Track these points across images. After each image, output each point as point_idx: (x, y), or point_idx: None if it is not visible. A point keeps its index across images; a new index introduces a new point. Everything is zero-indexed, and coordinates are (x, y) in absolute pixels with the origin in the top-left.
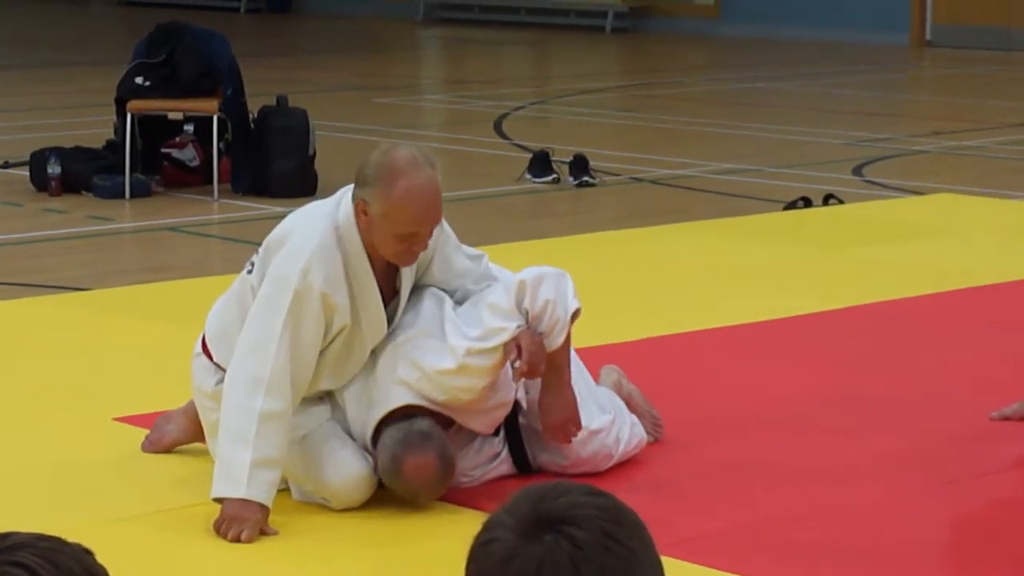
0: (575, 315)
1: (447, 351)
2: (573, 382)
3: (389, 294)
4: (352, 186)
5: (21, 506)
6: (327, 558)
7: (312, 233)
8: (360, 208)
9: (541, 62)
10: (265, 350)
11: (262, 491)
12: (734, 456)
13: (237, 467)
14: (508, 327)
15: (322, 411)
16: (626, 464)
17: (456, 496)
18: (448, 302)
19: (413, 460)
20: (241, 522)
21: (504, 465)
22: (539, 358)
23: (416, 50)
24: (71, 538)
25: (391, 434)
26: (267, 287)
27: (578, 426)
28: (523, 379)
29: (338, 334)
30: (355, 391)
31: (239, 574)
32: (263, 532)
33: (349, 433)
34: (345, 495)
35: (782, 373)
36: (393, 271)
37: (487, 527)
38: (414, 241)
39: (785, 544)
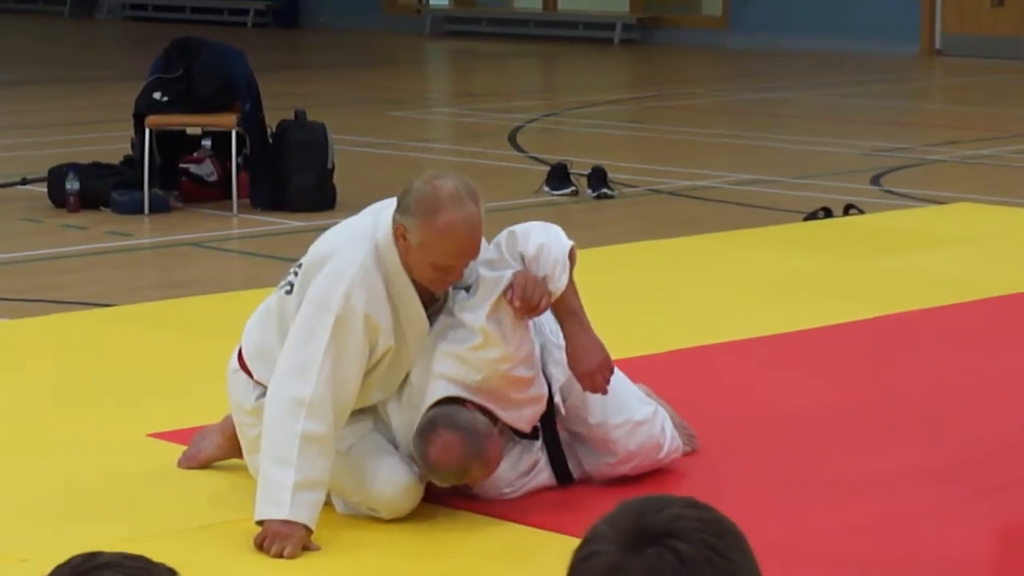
0: (572, 256)
1: (468, 329)
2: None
3: (428, 303)
4: (390, 202)
5: (60, 522)
6: (368, 571)
7: (354, 255)
8: (399, 232)
9: (550, 74)
10: (306, 373)
11: (305, 512)
12: (764, 469)
13: (279, 489)
14: (505, 274)
15: (365, 423)
16: (658, 479)
17: (498, 509)
18: (460, 293)
19: (438, 439)
20: (284, 538)
21: (544, 475)
22: (534, 292)
23: (424, 63)
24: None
25: (425, 415)
26: (307, 308)
27: (611, 369)
28: (528, 319)
29: (384, 355)
30: (396, 399)
31: None
32: (306, 548)
33: (394, 443)
34: (394, 504)
35: (806, 385)
36: None
37: (588, 541)
38: (449, 272)
39: (826, 558)
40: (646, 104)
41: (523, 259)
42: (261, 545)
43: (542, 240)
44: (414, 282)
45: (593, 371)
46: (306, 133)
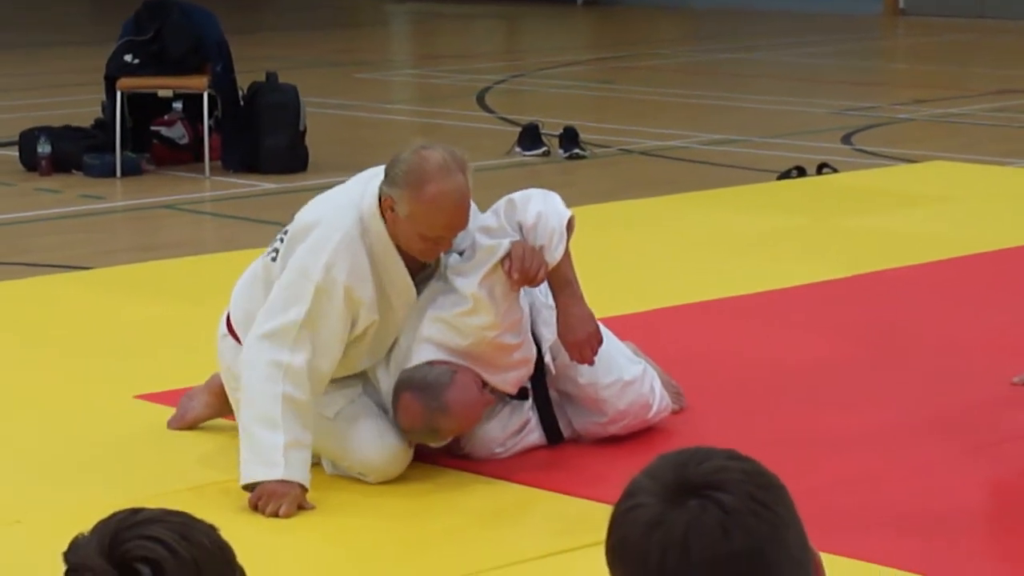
0: (570, 225)
1: (459, 295)
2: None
3: (417, 270)
4: (376, 172)
5: (50, 485)
6: (361, 532)
7: (338, 226)
8: (387, 204)
9: (515, 36)
10: (284, 339)
11: (299, 471)
12: (754, 426)
13: (270, 450)
14: (502, 243)
15: (354, 388)
16: (648, 437)
17: (489, 468)
18: (453, 256)
19: (399, 402)
20: (280, 497)
21: (534, 435)
22: (532, 263)
23: (387, 25)
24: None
25: (403, 373)
26: (289, 275)
27: (599, 341)
28: (521, 291)
29: (368, 328)
30: (384, 364)
31: (274, 549)
32: (301, 507)
33: (383, 407)
34: (381, 469)
35: (787, 343)
36: None
37: (629, 493)
38: (438, 243)
39: (824, 513)
40: (613, 64)
41: (521, 228)
42: (255, 505)
43: (540, 209)
44: (402, 252)
45: (582, 342)
46: (278, 95)
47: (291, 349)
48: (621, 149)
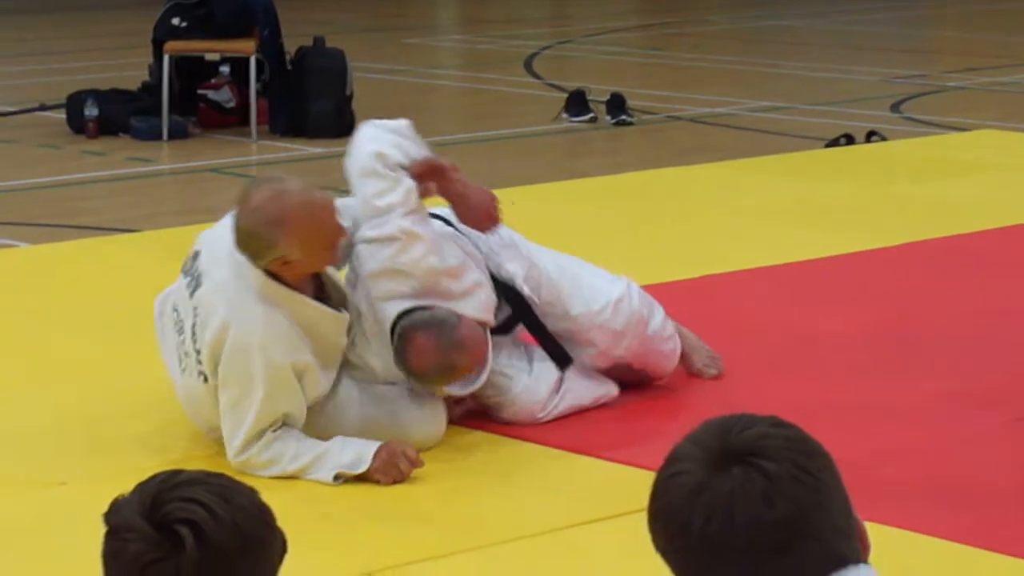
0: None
1: (386, 242)
2: (572, 266)
3: (331, 298)
4: (235, 256)
5: (91, 447)
6: (401, 499)
7: (249, 318)
8: (280, 263)
9: (561, 1)
10: (258, 443)
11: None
12: (794, 395)
13: (344, 452)
14: (400, 179)
15: (350, 388)
16: (690, 403)
17: (528, 433)
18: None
19: (411, 346)
20: (391, 465)
21: (548, 363)
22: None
23: None
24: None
25: (393, 337)
26: (234, 391)
27: (496, 199)
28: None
29: (320, 371)
30: (365, 349)
31: (310, 518)
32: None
33: (388, 383)
34: (428, 438)
35: (835, 312)
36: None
37: (672, 460)
38: (339, 234)
39: (867, 482)
40: (661, 32)
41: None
42: (383, 478)
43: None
44: (313, 294)
45: (482, 209)
46: (325, 59)
47: (273, 443)
48: (668, 116)
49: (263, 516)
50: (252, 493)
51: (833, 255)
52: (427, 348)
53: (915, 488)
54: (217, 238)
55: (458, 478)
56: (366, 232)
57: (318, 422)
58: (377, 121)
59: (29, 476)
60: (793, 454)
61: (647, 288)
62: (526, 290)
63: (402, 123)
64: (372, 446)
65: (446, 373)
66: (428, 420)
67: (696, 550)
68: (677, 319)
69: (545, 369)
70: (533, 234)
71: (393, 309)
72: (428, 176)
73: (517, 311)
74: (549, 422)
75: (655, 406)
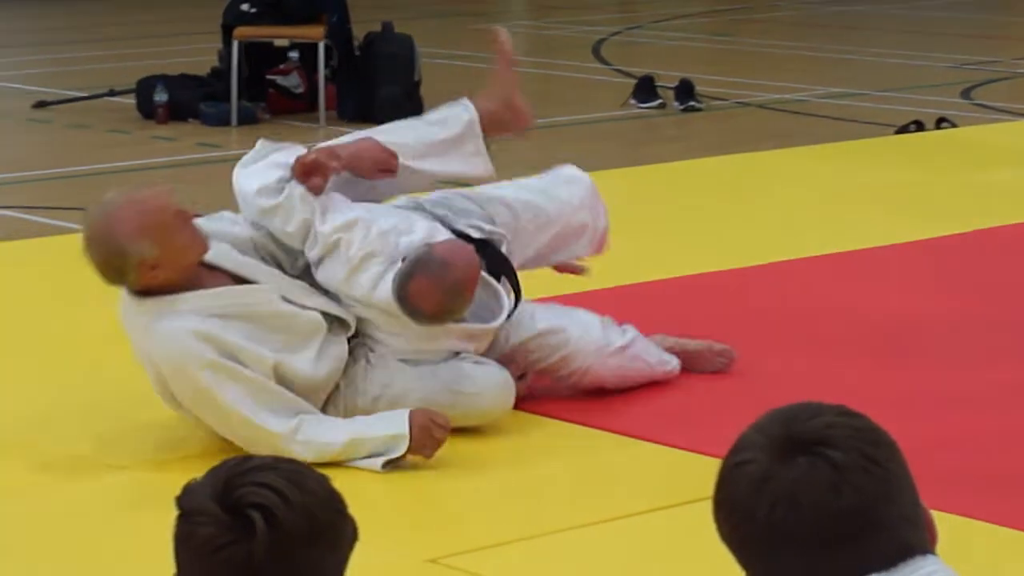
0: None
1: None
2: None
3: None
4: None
5: (149, 433)
6: (463, 485)
7: (168, 337)
8: (148, 270)
9: None
10: (250, 427)
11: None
12: (865, 383)
13: (381, 426)
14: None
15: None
16: (757, 391)
17: (592, 419)
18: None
19: (413, 288)
20: (428, 437)
21: (579, 310)
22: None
23: None
24: None
25: (394, 302)
26: (203, 400)
27: (381, 147)
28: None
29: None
30: (386, 341)
31: (377, 502)
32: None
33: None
34: (499, 404)
35: (903, 299)
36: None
37: (737, 448)
38: (187, 216)
39: (935, 471)
40: (730, 17)
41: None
42: (425, 448)
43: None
44: (217, 279)
45: (374, 161)
46: (393, 45)
47: (262, 422)
48: (737, 102)
49: (334, 502)
50: (324, 479)
51: (902, 242)
52: (424, 288)
53: (983, 477)
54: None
55: (519, 464)
56: (311, 256)
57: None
58: (240, 163)
59: (93, 457)
60: (860, 443)
61: (709, 276)
62: (488, 227)
63: (257, 146)
64: (402, 423)
65: (456, 304)
66: (494, 385)
67: (761, 540)
68: (743, 306)
69: (580, 312)
70: None
71: (385, 287)
72: (308, 175)
73: (488, 252)
74: (616, 396)
75: (722, 392)
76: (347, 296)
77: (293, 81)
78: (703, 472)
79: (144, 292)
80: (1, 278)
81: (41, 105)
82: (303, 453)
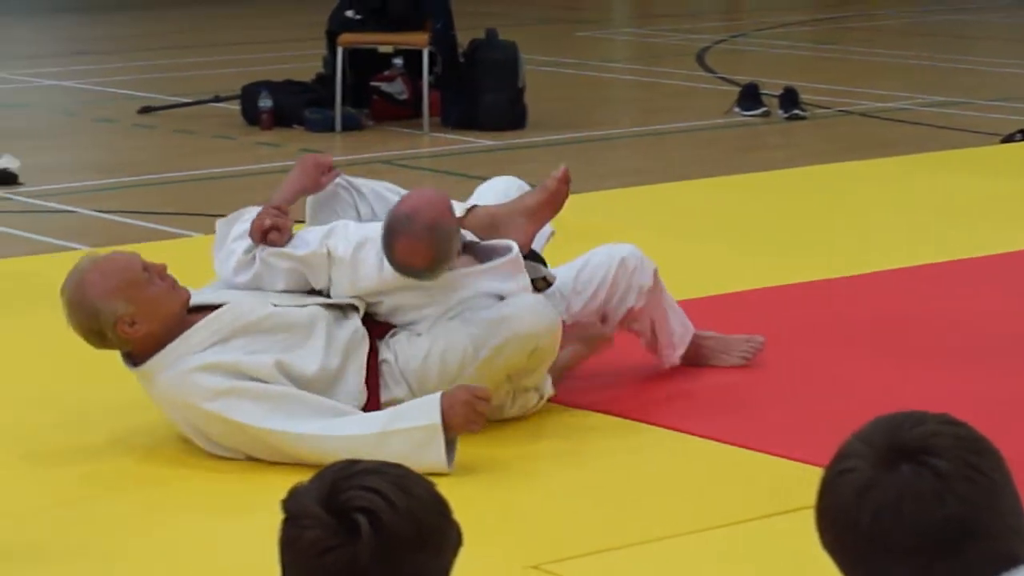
0: None
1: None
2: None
3: None
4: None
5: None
6: (568, 490)
7: (175, 386)
8: (129, 330)
9: None
10: (287, 439)
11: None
12: (969, 393)
13: (408, 429)
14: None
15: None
16: (856, 400)
17: (691, 426)
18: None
19: (399, 246)
20: (469, 412)
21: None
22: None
23: None
24: None
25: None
26: (233, 431)
27: (316, 157)
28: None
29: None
30: (413, 300)
31: (471, 503)
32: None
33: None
34: (545, 327)
35: (1008, 309)
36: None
37: (841, 457)
38: (155, 271)
39: None
40: (834, 25)
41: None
42: (470, 423)
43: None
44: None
45: (313, 172)
46: (498, 52)
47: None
48: (841, 110)
49: (440, 507)
50: (429, 484)
51: (1008, 251)
52: (407, 246)
53: None
54: None
55: (615, 471)
56: (341, 291)
57: (442, 378)
58: (213, 249)
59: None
60: (964, 452)
61: (811, 284)
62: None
63: (217, 229)
64: (433, 411)
65: (438, 232)
66: (528, 305)
67: (864, 549)
68: (844, 314)
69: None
70: (704, 226)
71: (387, 266)
72: (266, 234)
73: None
74: (702, 399)
75: (824, 398)
76: (367, 295)
77: (397, 88)
78: (799, 479)
79: (136, 354)
80: None
81: (146, 111)
82: (337, 450)
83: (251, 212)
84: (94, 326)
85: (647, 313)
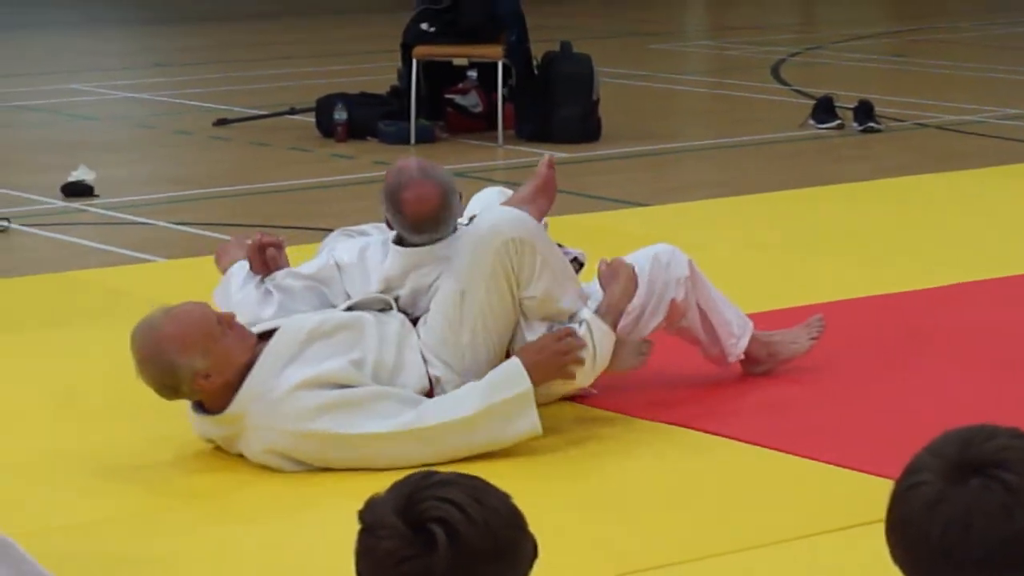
0: None
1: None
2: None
3: None
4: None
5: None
6: (623, 500)
7: (265, 405)
8: (204, 382)
9: (810, 7)
10: (389, 439)
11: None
12: None
13: (494, 406)
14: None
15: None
16: (926, 411)
17: (754, 435)
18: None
19: (410, 195)
20: (557, 354)
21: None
22: None
23: None
24: None
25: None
26: (338, 442)
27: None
28: None
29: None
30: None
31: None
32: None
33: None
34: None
35: None
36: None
37: (911, 470)
38: (227, 320)
39: None
40: (909, 38)
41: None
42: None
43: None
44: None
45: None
46: (572, 64)
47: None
48: (916, 123)
49: (515, 519)
50: (505, 496)
51: None
52: (412, 196)
53: None
54: None
55: (685, 482)
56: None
57: (451, 330)
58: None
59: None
60: None
61: (885, 297)
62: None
63: (216, 298)
64: (520, 377)
65: (442, 173)
66: (488, 217)
67: (934, 562)
68: (926, 324)
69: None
70: (777, 238)
71: (393, 253)
72: (262, 252)
73: None
74: (760, 408)
75: (896, 410)
76: (384, 291)
77: (471, 100)
78: (869, 492)
79: (209, 403)
80: (185, 294)
81: (222, 123)
82: (435, 437)
83: (236, 271)
84: (169, 381)
85: (693, 304)
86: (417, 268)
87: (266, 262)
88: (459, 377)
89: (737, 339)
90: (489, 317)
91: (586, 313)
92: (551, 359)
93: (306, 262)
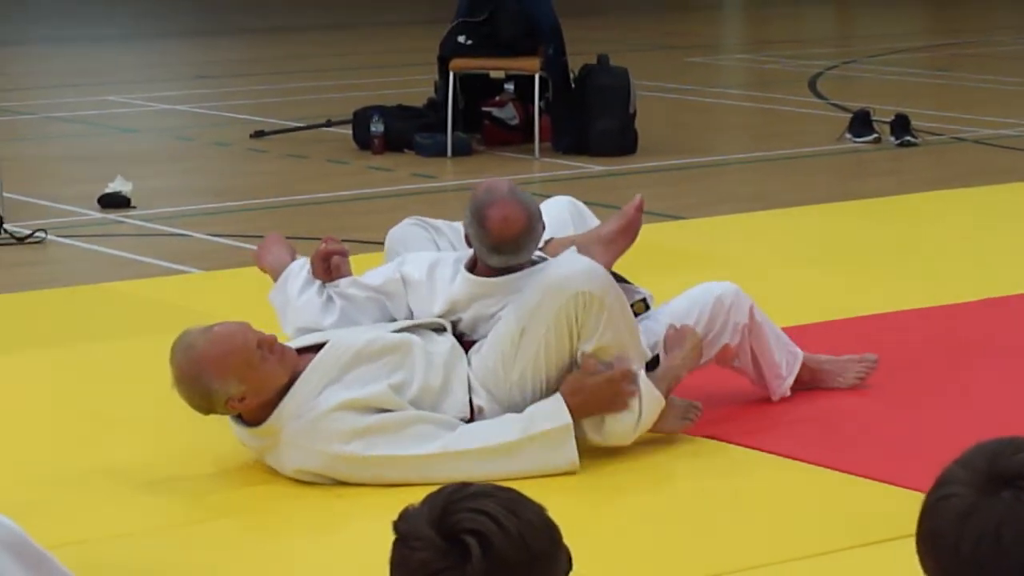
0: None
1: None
2: None
3: None
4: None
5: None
6: (649, 515)
7: (304, 424)
8: (239, 405)
9: (846, 21)
10: (425, 462)
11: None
12: None
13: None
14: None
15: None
16: (955, 424)
17: (781, 447)
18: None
19: (496, 213)
20: (616, 383)
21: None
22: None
23: (720, 9)
24: None
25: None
26: (373, 463)
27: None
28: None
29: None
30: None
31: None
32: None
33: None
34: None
35: None
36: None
37: (941, 482)
38: (263, 346)
39: None
40: (947, 52)
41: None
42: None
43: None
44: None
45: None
46: (609, 78)
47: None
48: (954, 137)
49: (550, 532)
50: (540, 509)
51: None
52: (498, 214)
53: None
54: None
55: (724, 496)
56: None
57: (504, 367)
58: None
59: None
60: None
61: (922, 311)
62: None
63: (272, 301)
64: (562, 414)
65: (528, 197)
66: (564, 262)
67: (965, 574)
68: (963, 339)
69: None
70: (815, 252)
71: (461, 277)
72: (327, 260)
73: None
74: (798, 420)
75: (934, 425)
76: (447, 313)
77: (508, 113)
78: (905, 506)
79: (248, 418)
80: (221, 306)
81: (259, 135)
82: (473, 465)
83: (296, 271)
84: (204, 403)
85: (746, 350)
86: (484, 298)
87: (330, 270)
88: (501, 410)
89: (783, 379)
90: (543, 360)
91: (641, 377)
92: (597, 399)
93: (371, 270)
